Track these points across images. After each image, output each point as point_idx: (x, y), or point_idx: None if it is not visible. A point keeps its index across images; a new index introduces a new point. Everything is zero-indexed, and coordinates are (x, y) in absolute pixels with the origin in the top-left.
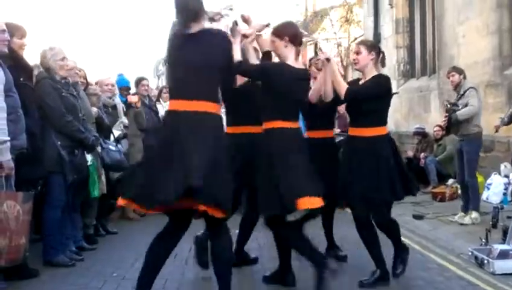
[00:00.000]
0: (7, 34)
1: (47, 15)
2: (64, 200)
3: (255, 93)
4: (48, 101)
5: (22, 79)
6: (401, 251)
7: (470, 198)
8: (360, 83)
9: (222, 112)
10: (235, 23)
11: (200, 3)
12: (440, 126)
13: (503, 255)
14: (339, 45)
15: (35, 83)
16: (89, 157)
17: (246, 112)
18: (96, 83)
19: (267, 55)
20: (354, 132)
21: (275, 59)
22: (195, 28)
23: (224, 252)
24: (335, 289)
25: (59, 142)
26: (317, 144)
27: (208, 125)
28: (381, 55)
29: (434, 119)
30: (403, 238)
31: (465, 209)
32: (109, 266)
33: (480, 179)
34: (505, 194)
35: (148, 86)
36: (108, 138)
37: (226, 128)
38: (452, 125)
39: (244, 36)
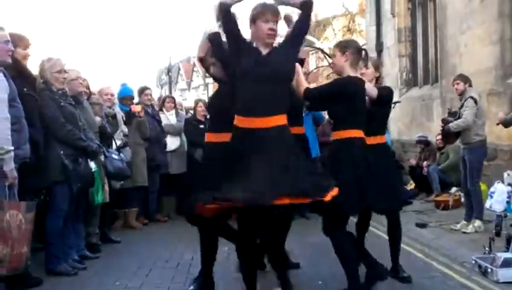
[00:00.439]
0: (11, 44)
1: (51, 25)
2: (66, 209)
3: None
4: (46, 112)
5: (25, 89)
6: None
7: (473, 206)
8: None
9: None
10: None
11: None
12: (441, 137)
13: (506, 263)
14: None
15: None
16: (92, 165)
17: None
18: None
19: None
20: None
21: None
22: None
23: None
24: None
25: (62, 152)
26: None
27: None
28: (363, 53)
29: (436, 128)
30: (406, 247)
31: (468, 218)
32: (112, 274)
33: (483, 187)
34: (508, 202)
35: (151, 95)
36: (111, 146)
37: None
38: (448, 135)
39: None
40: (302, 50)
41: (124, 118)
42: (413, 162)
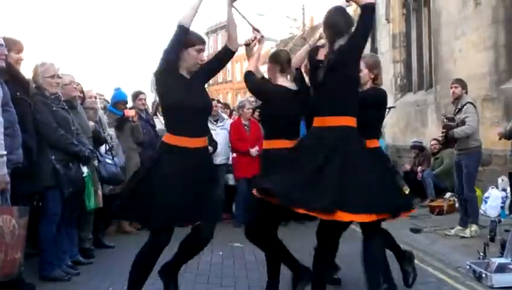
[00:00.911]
0: (5, 48)
1: (45, 29)
2: (59, 214)
3: None
4: (39, 117)
5: (18, 94)
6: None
7: (469, 211)
8: None
9: None
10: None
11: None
12: (437, 140)
13: (501, 268)
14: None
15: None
16: (84, 170)
17: None
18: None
19: None
20: None
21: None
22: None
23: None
24: None
25: (53, 157)
26: None
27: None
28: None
29: (431, 133)
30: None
31: (462, 223)
32: (105, 280)
33: (478, 192)
34: (502, 207)
35: (145, 100)
36: (105, 150)
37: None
38: (449, 141)
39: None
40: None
41: (108, 121)
42: (407, 167)
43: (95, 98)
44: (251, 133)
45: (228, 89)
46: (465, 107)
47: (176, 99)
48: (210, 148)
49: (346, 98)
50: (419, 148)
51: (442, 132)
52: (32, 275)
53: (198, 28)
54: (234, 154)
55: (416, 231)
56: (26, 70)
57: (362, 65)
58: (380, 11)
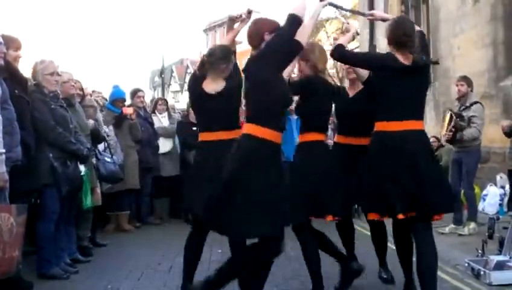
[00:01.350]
0: (3, 46)
1: (44, 26)
2: (58, 212)
3: None
4: (37, 115)
5: (16, 91)
6: None
7: (468, 209)
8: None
9: None
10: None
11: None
12: (436, 137)
13: (499, 266)
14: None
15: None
16: (82, 168)
17: None
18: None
19: None
20: None
21: None
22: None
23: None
24: None
25: (51, 154)
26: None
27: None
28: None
29: (429, 130)
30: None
31: (456, 221)
32: (104, 278)
33: (476, 190)
34: (500, 205)
35: (143, 97)
36: (104, 148)
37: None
38: (455, 140)
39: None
40: None
41: (107, 119)
42: None
43: (91, 95)
44: None
45: None
46: (474, 106)
47: None
48: None
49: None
50: None
51: (451, 130)
52: (30, 273)
53: (196, 25)
54: None
55: None
56: (25, 68)
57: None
58: (379, 8)
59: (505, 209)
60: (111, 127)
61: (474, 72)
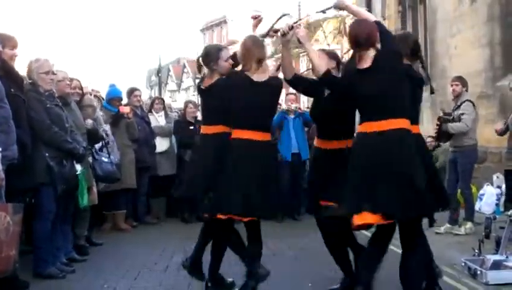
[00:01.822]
0: None
1: (40, 25)
2: (54, 211)
3: None
4: (32, 114)
5: (12, 90)
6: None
7: (465, 208)
8: None
9: None
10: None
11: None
12: (433, 137)
13: (496, 265)
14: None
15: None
16: (78, 167)
17: None
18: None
19: None
20: None
21: None
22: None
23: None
24: None
25: (47, 154)
26: None
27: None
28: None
29: (426, 131)
30: (396, 249)
31: (452, 221)
32: (100, 277)
33: (473, 189)
34: (497, 204)
35: (140, 96)
36: (100, 148)
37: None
38: (442, 134)
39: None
40: None
41: (104, 117)
42: None
43: (90, 94)
44: None
45: None
46: (463, 104)
47: None
48: None
49: None
50: None
51: (437, 124)
52: (27, 273)
53: (193, 25)
54: None
55: None
56: (21, 67)
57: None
58: (376, 8)
59: (502, 209)
60: (108, 126)
61: (471, 72)
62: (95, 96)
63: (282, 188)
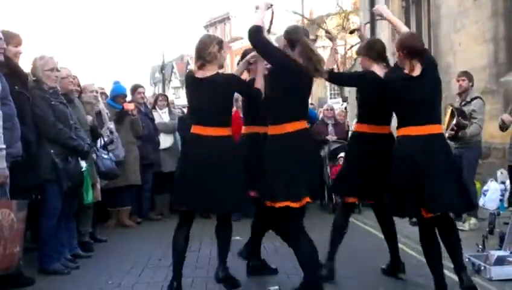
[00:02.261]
0: (3, 42)
1: (44, 22)
2: (59, 208)
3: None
4: (37, 111)
5: (17, 87)
6: None
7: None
8: None
9: None
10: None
11: None
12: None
13: (500, 261)
14: (336, 53)
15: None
16: (83, 164)
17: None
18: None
19: None
20: None
21: None
22: None
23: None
24: None
25: (52, 151)
26: None
27: None
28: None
29: None
30: (400, 245)
31: (455, 217)
32: (105, 273)
33: (477, 185)
34: (501, 200)
35: (144, 93)
36: (101, 145)
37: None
38: (457, 139)
39: None
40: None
41: (109, 115)
42: None
43: (97, 92)
44: None
45: None
46: (474, 101)
47: None
48: None
49: None
50: None
51: (453, 129)
52: (32, 269)
53: (197, 21)
54: None
55: (415, 223)
56: (25, 64)
57: None
58: (380, 3)
59: (506, 204)
60: (112, 123)
61: (475, 68)
62: (102, 93)
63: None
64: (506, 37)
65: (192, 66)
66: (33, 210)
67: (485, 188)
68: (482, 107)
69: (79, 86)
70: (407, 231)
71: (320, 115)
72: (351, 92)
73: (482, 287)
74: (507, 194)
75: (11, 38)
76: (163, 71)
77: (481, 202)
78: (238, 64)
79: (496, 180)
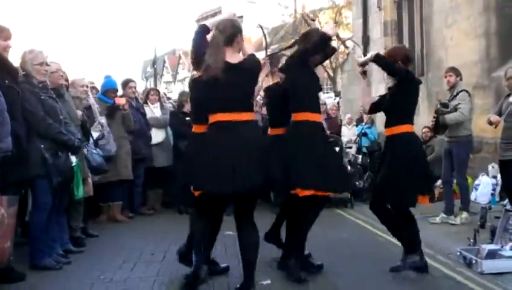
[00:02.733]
0: None
1: (34, 16)
2: (50, 203)
3: None
4: (26, 106)
5: (7, 82)
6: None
7: (461, 199)
8: None
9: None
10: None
11: None
12: (428, 128)
13: (491, 255)
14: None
15: None
16: (73, 159)
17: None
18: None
19: None
20: None
21: None
22: None
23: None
24: None
25: (42, 145)
26: None
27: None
28: None
29: (422, 121)
30: (392, 239)
31: (447, 211)
32: (97, 268)
33: (468, 179)
34: (492, 194)
35: (135, 88)
36: (88, 139)
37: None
38: (439, 126)
39: None
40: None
41: (99, 109)
42: None
43: (87, 86)
44: None
45: None
46: (460, 94)
47: None
48: None
49: None
50: None
51: (434, 117)
52: (23, 264)
53: (189, 15)
54: None
55: None
56: (14, 58)
57: None
58: None
59: (497, 198)
60: (104, 118)
61: (466, 63)
62: (92, 88)
63: None
64: (498, 32)
65: (184, 61)
66: (23, 205)
67: (476, 182)
68: (466, 98)
69: (67, 80)
70: None
71: None
72: (343, 86)
73: (474, 280)
74: (498, 189)
75: (1, 32)
76: (155, 65)
77: (473, 196)
78: None
79: (488, 174)
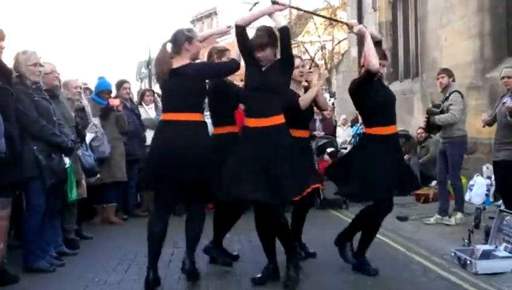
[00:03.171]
0: None
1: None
2: (44, 205)
3: None
4: (20, 107)
5: (0, 83)
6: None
7: (455, 199)
8: None
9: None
10: None
11: None
12: (423, 128)
13: (485, 255)
14: (323, 48)
15: None
16: (67, 160)
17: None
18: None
19: None
20: None
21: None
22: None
23: None
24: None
25: (35, 147)
26: None
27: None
28: None
29: (417, 122)
30: (387, 240)
31: (441, 211)
32: (90, 271)
33: (463, 180)
34: (487, 195)
35: (129, 89)
36: (83, 141)
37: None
38: (431, 127)
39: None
40: None
41: (93, 110)
42: None
43: (80, 88)
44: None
45: None
46: (452, 95)
47: None
48: None
49: None
50: (405, 137)
51: (426, 117)
52: (16, 267)
53: (183, 16)
54: None
55: (402, 218)
56: (8, 59)
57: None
58: None
59: (491, 199)
60: (97, 119)
61: (460, 63)
62: (86, 88)
63: None
64: (492, 32)
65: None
66: (16, 207)
67: (471, 183)
68: (458, 99)
69: (59, 81)
70: (395, 226)
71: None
72: (338, 87)
73: (468, 281)
74: (493, 189)
75: None
76: (150, 66)
77: (467, 196)
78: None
79: (482, 175)
